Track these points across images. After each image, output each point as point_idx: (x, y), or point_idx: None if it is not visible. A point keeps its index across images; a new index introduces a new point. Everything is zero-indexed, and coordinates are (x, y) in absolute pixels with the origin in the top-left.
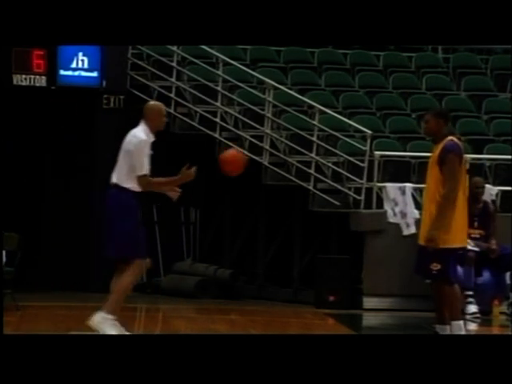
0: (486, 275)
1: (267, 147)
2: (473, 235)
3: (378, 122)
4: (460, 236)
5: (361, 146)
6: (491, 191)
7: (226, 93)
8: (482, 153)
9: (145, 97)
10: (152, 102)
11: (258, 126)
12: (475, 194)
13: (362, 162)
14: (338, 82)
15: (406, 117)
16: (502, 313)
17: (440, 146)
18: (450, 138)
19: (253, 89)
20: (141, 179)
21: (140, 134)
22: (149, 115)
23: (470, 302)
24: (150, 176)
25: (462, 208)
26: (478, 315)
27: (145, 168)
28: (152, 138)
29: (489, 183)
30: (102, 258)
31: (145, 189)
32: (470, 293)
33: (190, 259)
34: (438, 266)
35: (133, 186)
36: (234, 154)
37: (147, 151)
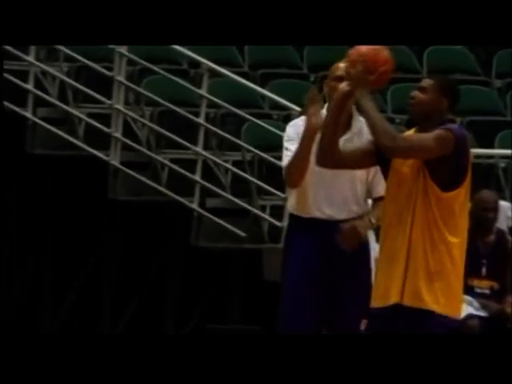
0: None
1: (118, 135)
2: (478, 289)
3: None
4: (459, 303)
5: (281, 133)
6: (509, 212)
7: None
8: (492, 145)
9: None
10: None
11: (101, 99)
12: (482, 220)
13: None
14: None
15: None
16: None
17: None
18: (453, 125)
19: None
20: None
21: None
22: None
23: None
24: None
25: (461, 247)
26: None
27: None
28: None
29: (504, 198)
30: None
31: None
32: None
33: None
34: None
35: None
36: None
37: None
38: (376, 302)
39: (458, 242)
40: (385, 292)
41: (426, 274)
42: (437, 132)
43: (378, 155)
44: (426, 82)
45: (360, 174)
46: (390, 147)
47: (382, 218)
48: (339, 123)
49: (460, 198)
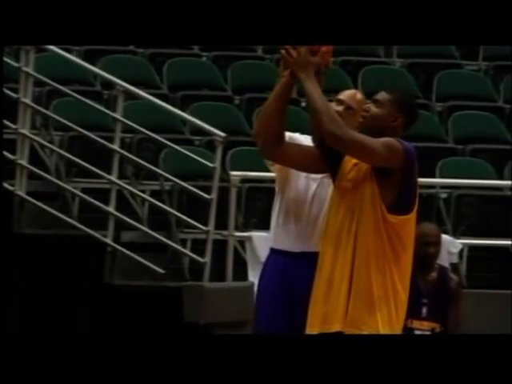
0: None
1: (24, 163)
2: (418, 331)
3: (239, 116)
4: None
5: (205, 162)
6: (451, 247)
7: None
8: (432, 173)
9: None
10: None
11: (5, 123)
12: (423, 256)
13: (208, 190)
14: None
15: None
16: None
17: None
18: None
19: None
20: None
21: None
22: None
23: None
24: None
25: (407, 281)
26: None
27: None
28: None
29: (446, 231)
30: None
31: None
32: None
33: None
34: None
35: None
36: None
37: None
38: (313, 328)
39: (402, 273)
40: (324, 318)
41: (368, 301)
42: (385, 138)
43: (328, 158)
44: (382, 96)
45: None
46: (336, 135)
47: (322, 234)
48: (283, 111)
49: (406, 229)
